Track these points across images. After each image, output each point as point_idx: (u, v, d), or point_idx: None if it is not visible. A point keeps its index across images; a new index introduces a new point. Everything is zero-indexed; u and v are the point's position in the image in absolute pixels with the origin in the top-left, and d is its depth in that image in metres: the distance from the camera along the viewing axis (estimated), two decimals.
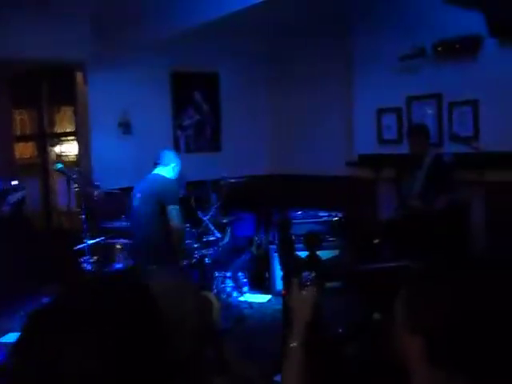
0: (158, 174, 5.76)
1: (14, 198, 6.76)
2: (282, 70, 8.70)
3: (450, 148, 6.19)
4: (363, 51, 7.31)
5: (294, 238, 5.93)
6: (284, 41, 8.16)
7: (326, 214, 6.98)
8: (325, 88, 8.04)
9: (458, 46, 6.33)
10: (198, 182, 7.28)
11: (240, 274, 7.00)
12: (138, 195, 5.69)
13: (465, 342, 1.58)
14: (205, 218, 6.28)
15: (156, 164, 5.78)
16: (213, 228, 6.35)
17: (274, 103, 8.93)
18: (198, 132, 8.60)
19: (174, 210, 5.47)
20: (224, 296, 6.51)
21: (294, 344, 2.03)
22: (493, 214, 6.06)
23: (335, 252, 6.17)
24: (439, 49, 6.46)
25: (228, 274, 6.70)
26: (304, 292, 2.12)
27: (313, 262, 3.51)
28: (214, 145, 8.73)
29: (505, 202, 5.87)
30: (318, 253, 5.15)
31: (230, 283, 6.68)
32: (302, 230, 6.78)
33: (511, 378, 1.64)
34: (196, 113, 8.59)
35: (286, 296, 2.63)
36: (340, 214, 6.94)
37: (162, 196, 5.52)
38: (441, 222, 5.57)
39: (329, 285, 5.11)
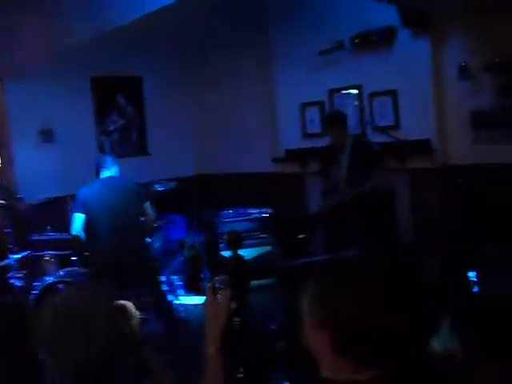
0: (116, 176, 5.78)
1: None
2: (205, 69, 8.67)
3: (373, 138, 6.26)
4: (283, 47, 7.36)
5: (219, 238, 5.90)
6: (205, 40, 8.13)
7: (256, 211, 7.00)
8: (248, 86, 8.06)
9: (374, 37, 6.45)
10: None
11: (174, 277, 6.94)
12: (112, 193, 5.57)
13: (370, 334, 1.62)
14: None
15: (102, 168, 5.71)
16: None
17: (198, 103, 8.89)
18: (123, 136, 8.47)
19: (150, 206, 5.77)
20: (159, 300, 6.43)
21: (210, 350, 2.03)
22: (417, 199, 6.22)
23: (266, 248, 6.20)
24: (356, 41, 6.56)
25: (162, 278, 6.62)
26: (218, 296, 2.10)
27: (235, 261, 3.53)
28: (141, 149, 8.61)
29: (427, 188, 6.04)
30: (240, 252, 5.19)
31: (164, 287, 6.60)
32: (234, 228, 6.81)
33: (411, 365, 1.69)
34: (120, 117, 8.46)
35: None
36: (270, 211, 6.97)
37: (139, 193, 5.73)
38: (369, 208, 5.64)
39: (261, 282, 5.15)
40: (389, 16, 6.11)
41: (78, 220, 5.33)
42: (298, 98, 7.25)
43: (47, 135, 7.68)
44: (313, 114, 7.15)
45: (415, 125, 6.21)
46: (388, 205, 6.21)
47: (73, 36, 6.20)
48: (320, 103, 7.06)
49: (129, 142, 8.54)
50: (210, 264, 4.83)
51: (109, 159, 5.83)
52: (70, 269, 5.92)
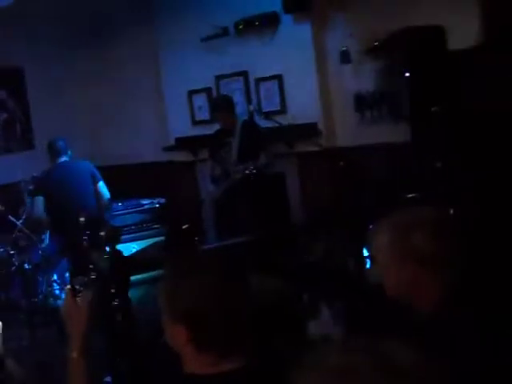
0: (71, 160, 6.35)
1: None
2: (90, 58, 8.40)
3: (260, 123, 6.28)
4: (169, 34, 7.24)
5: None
6: (90, 27, 7.89)
7: (148, 202, 6.91)
8: (136, 75, 7.88)
9: (257, 23, 6.47)
10: (10, 185, 6.87)
11: (67, 274, 6.73)
12: (71, 178, 6.13)
13: (224, 325, 1.61)
14: (18, 223, 5.95)
15: (57, 153, 6.23)
16: (27, 231, 6.04)
17: (84, 94, 8.61)
18: (6, 131, 8.09)
19: (103, 184, 6.27)
20: (52, 300, 6.25)
21: (73, 355, 1.97)
22: (305, 182, 6.33)
23: (157, 240, 6.14)
24: (240, 27, 6.56)
25: (54, 277, 6.42)
26: (78, 299, 2.03)
27: (113, 256, 3.47)
28: (26, 143, 8.26)
29: (314, 171, 6.16)
30: (133, 244, 5.13)
31: (56, 286, 6.41)
32: (126, 221, 6.70)
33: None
34: (2, 111, 8.07)
35: None
36: (162, 201, 6.89)
37: (94, 174, 6.27)
38: (258, 191, 5.68)
39: (150, 274, 5.07)
40: (272, 2, 6.15)
41: (40, 202, 5.90)
42: (185, 86, 7.17)
43: None
44: (201, 101, 7.10)
45: (301, 109, 6.30)
46: (277, 187, 6.30)
47: None
48: (207, 90, 7.02)
49: (13, 136, 8.16)
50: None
51: (62, 144, 6.30)
52: None
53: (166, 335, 1.69)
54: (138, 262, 4.09)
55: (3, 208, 5.90)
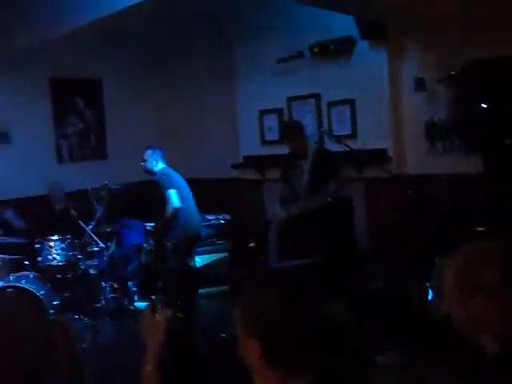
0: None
1: None
2: (166, 74, 8.62)
3: (330, 147, 6.28)
4: (244, 54, 7.38)
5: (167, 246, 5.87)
6: (167, 45, 8.10)
7: (214, 217, 6.99)
8: (209, 92, 8.05)
9: (333, 47, 6.51)
10: (82, 191, 7.09)
11: (130, 282, 6.86)
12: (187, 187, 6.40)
13: (296, 343, 1.64)
14: (87, 229, 6.12)
15: (160, 159, 6.40)
16: (96, 238, 6.21)
17: (158, 108, 8.84)
18: (81, 140, 8.37)
19: None
20: (113, 306, 6.38)
21: (148, 368, 2.03)
22: (372, 208, 6.29)
23: (221, 255, 6.19)
24: (316, 50, 6.61)
25: (117, 284, 6.56)
26: (157, 316, 2.11)
27: (183, 270, 3.53)
28: (99, 152, 8.53)
29: (382, 197, 6.11)
30: (196, 258, 5.19)
31: (119, 293, 6.54)
32: None
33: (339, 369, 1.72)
34: (79, 120, 8.36)
35: None
36: (227, 217, 6.96)
37: None
38: (327, 216, 5.64)
39: (212, 289, 5.14)
40: (348, 27, 6.19)
41: (175, 196, 6.07)
42: (257, 105, 7.27)
43: (3, 137, 7.55)
44: (271, 121, 7.18)
45: (372, 134, 6.29)
46: (346, 212, 6.26)
47: (33, 36, 6.13)
48: (279, 111, 7.10)
49: (87, 145, 8.44)
50: (159, 272, 4.82)
51: (161, 152, 6.46)
52: (20, 273, 5.81)
53: (239, 349, 1.73)
54: (203, 276, 4.15)
55: (75, 214, 6.08)
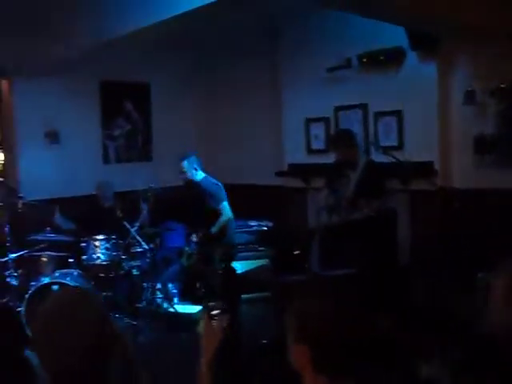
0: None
1: None
2: (213, 80, 8.73)
3: (376, 158, 6.24)
4: (292, 62, 7.40)
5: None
6: (215, 52, 8.19)
7: (256, 224, 7.01)
8: (255, 98, 8.11)
9: (382, 57, 6.48)
10: (128, 192, 7.20)
11: (170, 284, 6.93)
12: None
13: (344, 350, 1.66)
14: (131, 230, 6.20)
15: (200, 167, 6.43)
16: (140, 239, 6.29)
17: (204, 113, 8.93)
18: (128, 142, 8.52)
19: None
20: (154, 307, 6.45)
21: (203, 370, 2.09)
22: (416, 221, 6.22)
23: (263, 262, 6.20)
24: (364, 60, 6.60)
25: (157, 285, 6.63)
26: (214, 322, 2.16)
27: (228, 273, 3.55)
28: (145, 154, 8.66)
29: (427, 210, 6.04)
30: (237, 264, 5.21)
31: (159, 294, 6.61)
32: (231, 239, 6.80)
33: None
34: (127, 122, 8.51)
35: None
36: (269, 224, 6.98)
37: None
38: (369, 229, 5.59)
39: (254, 295, 5.15)
40: (398, 37, 6.15)
41: (227, 207, 6.21)
42: (304, 114, 7.28)
43: (53, 137, 7.74)
44: (318, 130, 7.18)
45: (419, 147, 6.23)
46: (388, 224, 6.20)
47: (85, 40, 6.25)
48: (325, 119, 7.09)
49: (134, 147, 8.58)
50: (204, 275, 4.87)
51: (198, 158, 6.43)
52: (65, 270, 5.93)
53: (288, 354, 1.75)
54: (247, 281, 4.17)
55: (121, 215, 6.17)
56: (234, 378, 3.23)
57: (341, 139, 5.96)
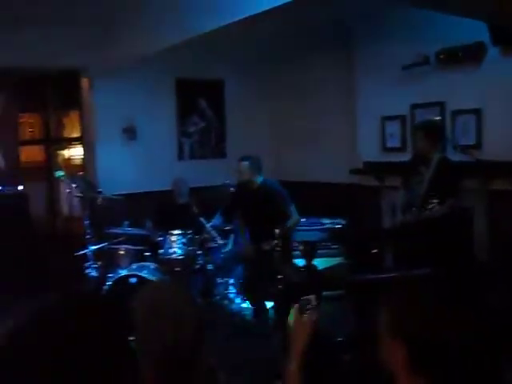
0: None
1: None
2: (286, 77, 8.74)
3: (453, 157, 6.11)
4: (366, 59, 7.33)
5: (292, 246, 5.90)
6: (288, 48, 8.20)
7: (329, 222, 6.99)
8: (329, 95, 8.07)
9: (460, 54, 6.33)
10: (202, 188, 7.31)
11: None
12: None
13: (443, 352, 1.62)
14: (207, 225, 6.28)
15: (259, 172, 6.05)
16: (215, 235, 6.36)
17: (278, 109, 8.97)
18: (202, 138, 8.64)
19: None
20: (227, 302, 6.53)
21: (292, 368, 2.08)
22: (495, 222, 6.07)
23: (337, 260, 6.17)
24: (442, 57, 6.46)
25: (231, 281, 6.71)
26: (304, 317, 2.15)
27: (309, 271, 3.55)
28: (219, 151, 8.77)
29: (506, 211, 5.88)
30: (314, 262, 5.21)
31: (232, 289, 6.69)
32: (305, 237, 6.82)
33: None
34: (201, 119, 8.64)
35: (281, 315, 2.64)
36: (343, 222, 6.94)
37: None
38: (443, 228, 5.48)
39: (329, 293, 5.14)
40: (478, 32, 5.97)
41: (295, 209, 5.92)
42: (379, 111, 7.19)
43: (130, 133, 7.94)
44: (393, 128, 7.08)
45: (498, 146, 6.05)
46: (463, 224, 6.07)
47: (162, 39, 6.37)
48: (401, 118, 6.98)
49: (208, 144, 8.70)
50: (283, 272, 4.87)
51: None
52: (142, 263, 6.07)
53: (381, 352, 1.74)
54: (327, 278, 4.17)
55: (197, 210, 6.26)
56: (317, 376, 3.23)
57: (421, 128, 5.81)
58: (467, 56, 6.28)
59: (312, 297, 2.24)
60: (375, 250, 4.47)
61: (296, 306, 2.22)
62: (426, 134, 5.65)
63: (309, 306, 2.19)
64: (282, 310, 4.32)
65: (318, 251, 6.47)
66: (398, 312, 1.70)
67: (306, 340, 2.13)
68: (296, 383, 2.06)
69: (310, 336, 2.14)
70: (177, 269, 6.14)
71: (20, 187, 7.91)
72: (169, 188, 6.96)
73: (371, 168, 7.18)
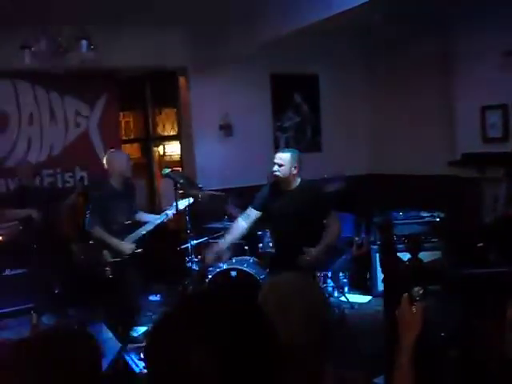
0: None
1: None
2: (382, 70, 8.64)
3: None
4: (464, 46, 7.11)
5: (395, 239, 5.83)
6: (382, 41, 8.11)
7: (428, 215, 6.87)
8: (425, 86, 7.90)
9: None
10: None
11: (340, 274, 7.02)
12: None
13: None
14: None
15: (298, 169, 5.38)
16: None
17: (373, 103, 8.88)
18: (298, 133, 8.70)
19: None
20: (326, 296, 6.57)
21: (403, 361, 2.05)
22: None
23: (437, 254, 6.06)
24: None
25: (329, 274, 6.72)
26: (414, 307, 2.13)
27: (415, 266, 3.52)
28: (314, 145, 8.79)
29: None
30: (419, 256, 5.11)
31: (330, 283, 6.70)
32: (404, 230, 6.73)
33: None
34: (296, 114, 8.69)
35: (389, 307, 2.63)
36: (442, 215, 6.81)
37: None
38: None
39: (430, 288, 5.05)
40: None
41: None
42: (478, 101, 6.98)
43: (227, 129, 8.09)
44: (495, 117, 6.84)
45: None
46: None
47: (259, 36, 6.46)
48: (503, 107, 6.75)
49: (303, 138, 8.75)
50: (386, 265, 4.83)
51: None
52: (241, 257, 6.18)
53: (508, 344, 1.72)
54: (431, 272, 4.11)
55: None
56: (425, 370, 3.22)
57: None
58: None
59: (419, 288, 2.21)
60: (481, 244, 4.36)
61: (405, 295, 2.18)
62: None
63: (418, 297, 2.16)
64: (389, 302, 4.30)
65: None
66: None
67: (416, 331, 2.09)
68: (408, 376, 2.03)
69: (420, 327, 2.10)
70: None
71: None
72: (265, 183, 7.03)
73: (471, 159, 6.99)
